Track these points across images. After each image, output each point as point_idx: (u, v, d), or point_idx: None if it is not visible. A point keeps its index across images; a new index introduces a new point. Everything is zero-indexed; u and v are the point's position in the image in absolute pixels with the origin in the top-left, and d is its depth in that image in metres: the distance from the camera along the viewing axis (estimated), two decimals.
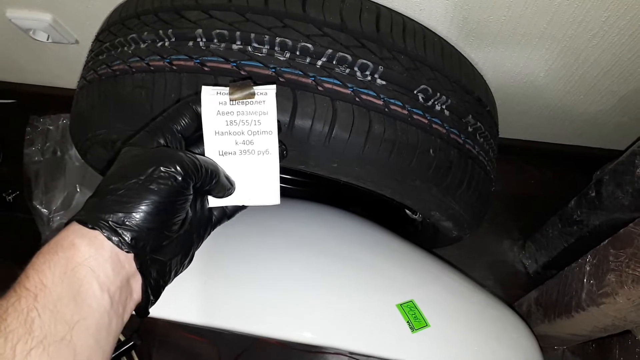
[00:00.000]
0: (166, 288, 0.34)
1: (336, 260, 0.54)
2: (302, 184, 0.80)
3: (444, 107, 0.47)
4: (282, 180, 0.78)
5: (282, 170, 0.39)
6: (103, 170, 0.70)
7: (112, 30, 0.54)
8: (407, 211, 0.65)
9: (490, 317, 0.56)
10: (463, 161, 0.51)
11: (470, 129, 0.49)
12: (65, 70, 0.94)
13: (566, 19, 0.54)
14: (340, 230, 0.58)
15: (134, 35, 0.50)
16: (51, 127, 1.04)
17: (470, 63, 0.58)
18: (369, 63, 0.46)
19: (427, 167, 0.48)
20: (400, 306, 0.51)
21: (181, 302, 0.50)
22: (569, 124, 0.81)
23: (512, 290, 0.90)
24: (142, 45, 0.49)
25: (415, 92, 0.47)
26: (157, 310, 0.35)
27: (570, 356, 0.81)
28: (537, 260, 0.90)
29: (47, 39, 0.80)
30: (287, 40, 0.46)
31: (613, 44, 0.57)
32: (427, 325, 0.50)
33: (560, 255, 0.81)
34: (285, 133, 0.45)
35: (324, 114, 0.44)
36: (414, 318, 0.50)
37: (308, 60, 0.45)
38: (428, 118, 0.44)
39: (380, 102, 0.43)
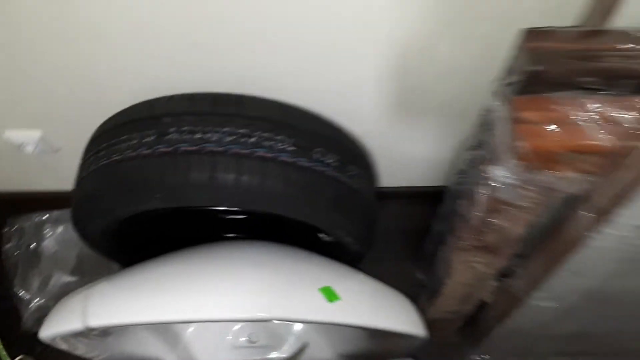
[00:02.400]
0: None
1: (269, 265, 0.81)
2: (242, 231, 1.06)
3: (322, 155, 0.78)
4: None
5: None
6: (97, 243, 0.93)
7: (107, 135, 0.81)
8: (321, 234, 0.93)
9: (383, 295, 0.84)
10: (346, 191, 0.81)
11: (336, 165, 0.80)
12: (42, 175, 1.17)
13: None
14: (271, 249, 0.86)
15: (125, 136, 0.78)
16: (26, 225, 1.24)
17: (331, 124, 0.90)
18: (268, 140, 0.76)
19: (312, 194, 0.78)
20: (321, 290, 0.78)
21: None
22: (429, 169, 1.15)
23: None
24: (133, 142, 0.76)
25: (298, 148, 0.77)
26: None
27: None
28: (426, 274, 1.20)
29: (33, 151, 1.05)
30: (225, 128, 0.75)
31: None
32: (339, 299, 0.77)
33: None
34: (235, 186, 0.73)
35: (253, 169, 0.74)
36: (330, 295, 0.77)
37: (229, 138, 0.74)
38: (304, 162, 0.75)
39: (271, 155, 0.73)
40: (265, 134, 0.76)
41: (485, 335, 1.01)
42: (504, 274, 0.86)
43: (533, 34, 0.59)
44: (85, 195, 0.81)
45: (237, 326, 0.97)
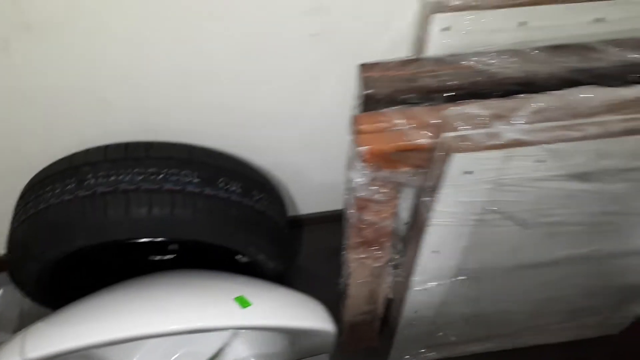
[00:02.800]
0: None
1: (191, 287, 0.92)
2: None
3: (225, 184, 0.92)
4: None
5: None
6: (35, 292, 1.01)
7: (33, 189, 0.91)
8: (237, 256, 1.06)
9: (292, 300, 0.97)
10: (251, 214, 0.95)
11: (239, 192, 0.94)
12: None
13: None
14: (191, 274, 0.97)
15: (49, 187, 0.89)
16: None
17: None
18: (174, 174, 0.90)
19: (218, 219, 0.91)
20: (235, 299, 0.90)
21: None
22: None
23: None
24: (56, 191, 0.88)
25: (203, 179, 0.91)
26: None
27: None
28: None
29: None
30: (135, 170, 0.88)
31: None
32: (250, 304, 0.89)
33: None
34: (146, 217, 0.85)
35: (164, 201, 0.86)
36: (243, 302, 0.89)
37: (139, 177, 0.87)
38: (209, 191, 0.89)
39: (178, 188, 0.87)
40: (172, 170, 0.90)
41: (395, 331, 1.14)
42: (396, 267, 1.01)
43: (366, 66, 0.77)
44: (18, 244, 0.91)
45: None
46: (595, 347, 1.35)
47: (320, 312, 0.96)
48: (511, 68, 0.76)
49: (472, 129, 0.65)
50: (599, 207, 0.79)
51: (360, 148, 0.71)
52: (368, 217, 0.83)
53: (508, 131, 0.64)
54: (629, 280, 1.07)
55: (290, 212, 1.43)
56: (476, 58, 0.77)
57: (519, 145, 0.64)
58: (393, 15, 0.82)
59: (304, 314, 0.93)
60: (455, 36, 0.77)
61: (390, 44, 0.86)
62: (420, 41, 0.80)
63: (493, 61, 0.76)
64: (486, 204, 0.74)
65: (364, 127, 0.72)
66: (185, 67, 0.87)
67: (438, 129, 0.69)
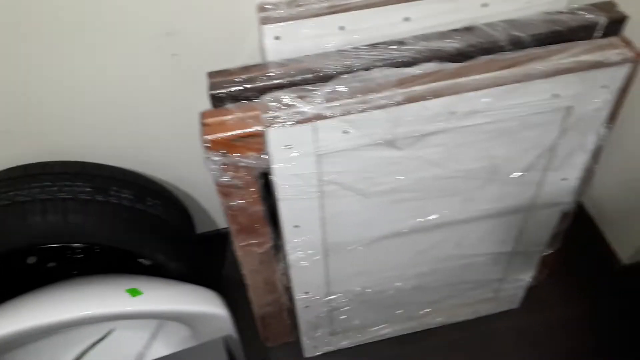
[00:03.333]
0: None
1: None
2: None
3: (117, 192, 1.04)
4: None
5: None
6: None
7: None
8: (140, 260, 1.17)
9: (186, 290, 1.07)
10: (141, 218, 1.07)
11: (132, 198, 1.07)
12: None
13: None
14: (94, 277, 1.08)
15: None
16: None
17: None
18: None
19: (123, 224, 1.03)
20: (127, 290, 1.01)
21: None
22: None
23: None
24: None
25: (95, 188, 1.04)
26: None
27: None
28: None
29: None
30: (32, 184, 1.00)
31: None
32: (141, 294, 1.00)
33: None
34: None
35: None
36: (134, 292, 1.00)
37: (35, 190, 0.99)
38: (100, 198, 1.01)
39: (71, 196, 0.99)
40: (66, 183, 1.02)
41: (297, 318, 1.25)
42: (278, 251, 1.12)
43: (213, 73, 0.92)
44: None
45: None
46: (498, 321, 1.47)
47: (212, 299, 1.07)
48: (334, 64, 0.91)
49: (283, 109, 0.79)
50: (423, 172, 0.94)
51: (206, 137, 0.84)
52: (234, 202, 0.95)
53: (311, 108, 0.78)
54: (495, 248, 1.20)
55: (211, 227, 1.55)
56: (306, 59, 0.92)
57: (320, 118, 0.78)
58: (241, 31, 0.98)
59: (195, 300, 1.04)
60: (287, 43, 0.92)
61: (246, 56, 1.02)
62: (262, 50, 0.95)
63: (320, 60, 0.92)
64: (319, 175, 0.87)
65: (208, 120, 0.85)
66: (68, 96, 1.02)
67: (265, 120, 0.83)
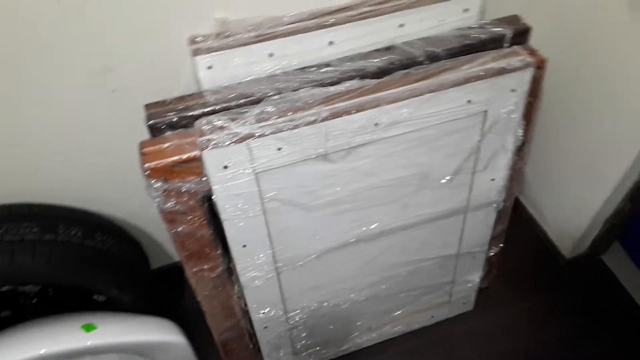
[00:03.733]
0: None
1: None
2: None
3: (65, 230, 1.05)
4: None
5: None
6: None
7: None
8: (94, 296, 1.17)
9: (141, 322, 1.08)
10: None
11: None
12: None
13: None
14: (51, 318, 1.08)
15: None
16: None
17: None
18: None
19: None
20: (82, 327, 1.01)
21: None
22: None
23: None
24: None
25: (42, 228, 1.05)
26: None
27: None
28: None
29: None
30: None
31: None
32: (96, 328, 1.01)
33: None
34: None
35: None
36: (89, 327, 1.01)
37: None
38: (48, 237, 1.02)
39: (17, 238, 1.00)
40: (12, 224, 1.03)
41: (257, 340, 1.26)
42: (231, 274, 1.15)
43: (150, 105, 0.96)
44: None
45: None
46: (455, 325, 1.52)
47: (167, 327, 1.08)
48: (266, 88, 0.96)
49: (217, 132, 0.84)
50: (359, 183, 0.99)
51: (145, 165, 0.87)
52: (180, 228, 0.98)
53: (243, 129, 0.83)
54: (440, 251, 1.26)
55: (168, 260, 1.56)
56: (239, 85, 0.97)
57: (252, 138, 0.83)
58: (176, 64, 1.03)
59: (149, 329, 1.05)
60: (219, 72, 0.98)
61: (183, 87, 1.06)
62: (197, 80, 1.00)
63: (252, 85, 0.97)
64: (260, 193, 0.92)
65: (146, 149, 0.89)
66: (10, 136, 1.04)
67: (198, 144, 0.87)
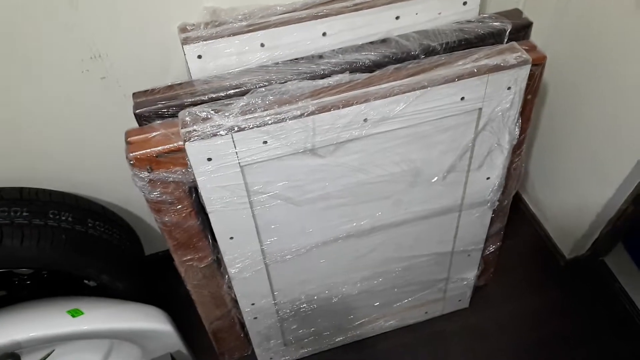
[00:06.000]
0: None
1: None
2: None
3: (55, 215, 1.06)
4: None
5: None
6: None
7: None
8: (85, 281, 1.18)
9: (129, 309, 1.09)
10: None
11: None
12: None
13: None
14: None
15: None
16: None
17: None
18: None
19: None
20: (68, 312, 1.02)
21: None
22: None
23: None
24: None
25: (31, 212, 1.05)
26: None
27: None
28: None
29: None
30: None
31: None
32: (83, 314, 1.01)
33: None
34: None
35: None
36: (75, 313, 1.01)
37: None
38: (38, 221, 1.02)
39: (7, 221, 1.00)
40: (2, 208, 1.03)
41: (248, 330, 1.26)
42: (220, 265, 1.14)
43: (137, 93, 0.94)
44: None
45: None
46: (450, 322, 1.51)
47: (155, 315, 1.08)
48: (256, 80, 0.95)
49: (200, 123, 0.82)
50: (348, 178, 0.97)
51: (130, 155, 0.87)
52: (167, 218, 0.98)
53: (227, 121, 0.82)
54: (434, 248, 1.24)
55: (164, 247, 1.56)
56: (229, 76, 0.96)
57: (237, 130, 0.82)
58: (166, 52, 1.02)
59: (136, 317, 1.06)
60: (209, 61, 0.96)
61: (174, 76, 1.05)
62: (188, 70, 0.99)
63: (242, 76, 0.95)
64: (246, 186, 0.90)
65: (132, 138, 0.88)
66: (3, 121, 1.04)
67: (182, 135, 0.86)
